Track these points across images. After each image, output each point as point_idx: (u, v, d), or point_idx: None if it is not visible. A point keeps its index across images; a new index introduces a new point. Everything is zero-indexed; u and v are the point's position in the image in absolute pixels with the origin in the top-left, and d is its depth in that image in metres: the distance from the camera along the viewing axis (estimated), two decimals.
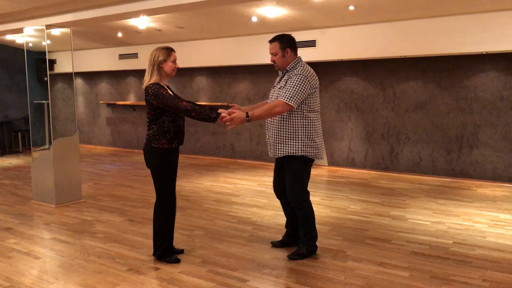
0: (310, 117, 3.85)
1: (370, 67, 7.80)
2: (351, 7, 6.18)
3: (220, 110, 3.73)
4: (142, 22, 7.47)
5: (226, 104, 9.17)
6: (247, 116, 3.69)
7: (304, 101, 3.80)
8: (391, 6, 6.15)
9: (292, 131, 3.82)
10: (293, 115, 3.81)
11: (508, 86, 6.73)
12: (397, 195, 6.20)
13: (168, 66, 3.78)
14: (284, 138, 3.84)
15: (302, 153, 3.82)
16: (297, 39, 7.77)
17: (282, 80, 3.92)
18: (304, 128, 3.82)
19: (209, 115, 3.67)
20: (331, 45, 7.42)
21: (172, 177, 3.87)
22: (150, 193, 6.47)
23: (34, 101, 10.58)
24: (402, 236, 4.53)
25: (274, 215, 5.31)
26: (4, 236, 4.70)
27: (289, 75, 3.86)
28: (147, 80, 3.77)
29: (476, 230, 4.69)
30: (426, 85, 7.35)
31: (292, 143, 3.83)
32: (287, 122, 3.83)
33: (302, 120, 3.82)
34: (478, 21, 6.16)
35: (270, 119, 3.93)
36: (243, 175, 7.70)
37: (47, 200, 5.93)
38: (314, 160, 3.96)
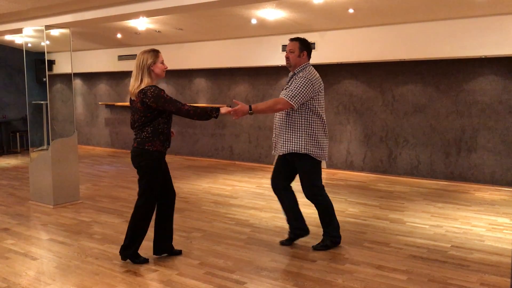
0: (313, 119, 4.06)
1: (369, 70, 7.81)
2: (351, 10, 6.19)
3: (222, 109, 3.83)
4: (142, 24, 7.48)
5: (225, 106, 9.16)
6: (250, 109, 3.89)
7: (306, 103, 4.02)
8: (391, 9, 6.16)
9: (295, 129, 4.05)
10: (297, 116, 4.04)
11: (507, 90, 6.74)
12: (396, 198, 6.20)
13: (158, 68, 3.80)
14: (288, 136, 4.07)
15: (306, 151, 4.04)
16: None
17: (289, 82, 4.13)
18: (307, 129, 4.04)
19: (209, 114, 3.78)
20: (330, 48, 7.43)
21: (159, 181, 3.86)
22: None
23: (33, 102, 10.57)
24: (400, 239, 4.53)
25: (273, 217, 5.31)
26: (1, 236, 4.69)
27: (295, 77, 4.09)
28: (137, 84, 3.75)
29: (474, 234, 4.69)
30: (425, 89, 7.36)
31: (295, 141, 4.05)
32: (291, 122, 4.06)
33: (305, 122, 4.05)
34: (477, 25, 6.17)
35: (277, 119, 4.17)
36: (241, 177, 7.70)
37: (45, 200, 5.91)
38: (320, 160, 4.15)
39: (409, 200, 6.12)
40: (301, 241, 4.46)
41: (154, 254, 4.05)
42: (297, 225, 4.36)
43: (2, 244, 4.45)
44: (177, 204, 5.94)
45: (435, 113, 7.29)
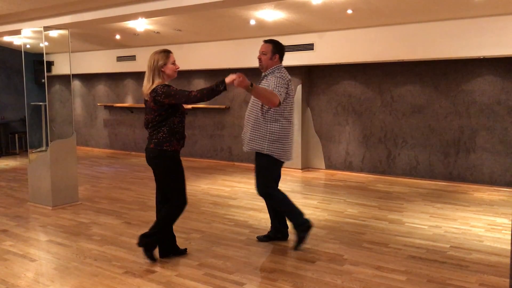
0: (280, 120, 4.13)
1: (367, 70, 7.82)
2: (349, 11, 6.20)
3: (227, 79, 3.70)
4: (140, 25, 7.48)
5: (224, 107, 9.18)
6: (251, 85, 3.83)
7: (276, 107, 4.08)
8: (389, 10, 6.16)
9: (262, 129, 4.13)
10: (267, 117, 4.12)
11: (505, 91, 6.75)
12: (394, 199, 6.20)
13: (169, 69, 3.84)
14: (255, 136, 4.16)
15: (268, 152, 4.13)
16: (295, 43, 7.90)
17: (260, 83, 4.23)
18: (272, 130, 4.12)
19: (216, 90, 3.68)
20: (329, 48, 7.43)
21: (183, 177, 3.92)
22: (147, 196, 6.46)
23: (32, 103, 10.56)
24: (399, 240, 4.53)
25: None
26: (0, 238, 4.68)
27: (267, 79, 4.17)
28: (149, 85, 3.79)
29: (473, 234, 4.70)
30: (423, 89, 7.37)
31: (259, 141, 4.14)
32: (260, 120, 4.14)
33: (272, 124, 4.12)
34: (475, 26, 6.18)
35: (248, 115, 4.26)
36: (240, 178, 7.69)
37: (44, 202, 5.91)
38: (283, 162, 4.26)
39: (408, 200, 6.12)
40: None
41: (160, 257, 4.04)
42: (279, 227, 4.48)
43: (1, 246, 4.44)
44: None
45: (434, 113, 7.30)
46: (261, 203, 6.00)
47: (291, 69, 8.29)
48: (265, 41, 4.27)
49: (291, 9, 6.32)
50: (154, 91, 3.74)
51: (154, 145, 3.81)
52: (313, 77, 8.42)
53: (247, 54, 8.23)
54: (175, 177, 3.87)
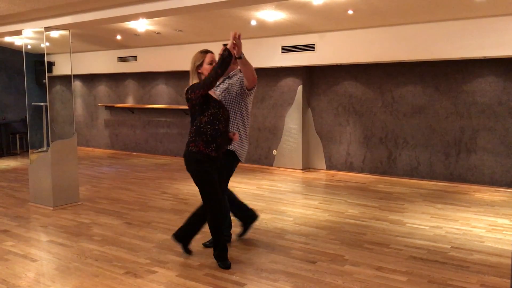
0: (247, 119, 4.23)
1: (368, 71, 7.82)
2: (350, 12, 6.20)
3: (228, 45, 3.70)
4: (141, 25, 7.48)
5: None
6: (241, 57, 3.93)
7: (244, 102, 4.16)
8: (390, 10, 6.16)
9: (233, 129, 4.14)
10: (237, 115, 4.15)
11: (506, 91, 6.75)
12: (395, 200, 6.20)
13: (205, 69, 3.77)
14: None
15: (233, 148, 4.17)
16: (295, 43, 7.90)
17: (222, 84, 4.25)
18: (242, 129, 4.19)
19: (225, 59, 3.60)
20: (330, 49, 7.43)
21: (212, 184, 3.73)
22: (147, 196, 6.47)
23: (33, 103, 10.58)
24: (400, 241, 4.52)
25: (272, 218, 5.31)
26: (1, 238, 4.69)
27: (232, 79, 4.22)
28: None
29: (474, 235, 4.69)
30: (424, 90, 7.37)
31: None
32: (231, 122, 4.14)
33: (242, 121, 4.19)
34: (476, 26, 6.18)
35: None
36: (241, 179, 7.69)
37: (45, 202, 5.91)
38: (238, 162, 4.32)
39: (408, 201, 6.12)
40: (299, 242, 4.47)
41: (173, 235, 4.09)
42: (242, 214, 4.60)
43: (2, 246, 4.45)
44: (177, 206, 5.96)
45: (435, 114, 7.29)
46: (262, 203, 6.01)
47: (292, 70, 8.31)
48: (225, 45, 4.29)
49: (292, 10, 6.32)
50: (186, 90, 3.75)
51: (185, 146, 3.82)
52: (314, 77, 8.42)
53: (248, 55, 8.19)
54: (201, 180, 3.75)
